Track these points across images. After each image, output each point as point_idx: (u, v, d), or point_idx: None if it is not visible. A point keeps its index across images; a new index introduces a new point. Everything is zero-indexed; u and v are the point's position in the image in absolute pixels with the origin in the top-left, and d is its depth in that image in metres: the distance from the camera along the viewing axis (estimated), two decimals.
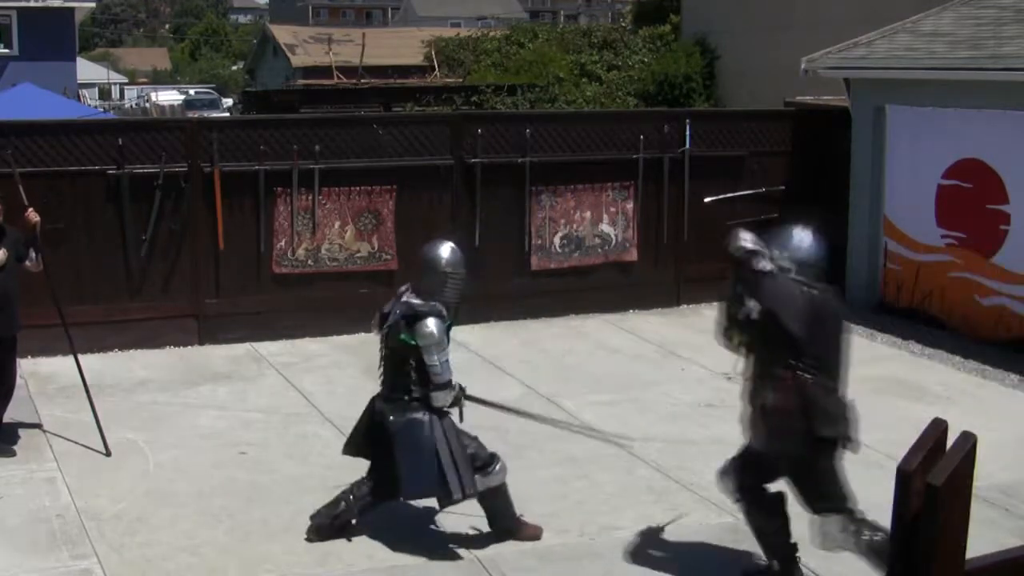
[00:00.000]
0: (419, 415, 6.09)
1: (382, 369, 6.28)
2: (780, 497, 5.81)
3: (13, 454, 7.61)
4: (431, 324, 6.03)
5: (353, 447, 6.52)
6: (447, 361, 6.09)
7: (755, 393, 5.67)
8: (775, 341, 5.52)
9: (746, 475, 5.79)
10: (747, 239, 5.70)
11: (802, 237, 5.70)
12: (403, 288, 6.38)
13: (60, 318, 7.96)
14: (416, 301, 6.13)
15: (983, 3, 11.99)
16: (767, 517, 5.79)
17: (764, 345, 5.62)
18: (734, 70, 19.33)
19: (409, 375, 6.09)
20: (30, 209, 7.70)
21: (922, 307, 11.36)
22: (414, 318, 6.06)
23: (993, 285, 10.64)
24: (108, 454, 7.62)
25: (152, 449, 7.76)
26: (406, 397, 6.11)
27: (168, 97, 48.27)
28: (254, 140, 10.53)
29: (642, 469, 7.45)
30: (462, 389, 6.23)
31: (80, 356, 8.57)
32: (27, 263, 7.69)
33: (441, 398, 6.09)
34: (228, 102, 46.97)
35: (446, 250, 6.26)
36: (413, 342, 6.04)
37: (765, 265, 5.59)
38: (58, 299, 8.01)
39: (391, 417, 6.14)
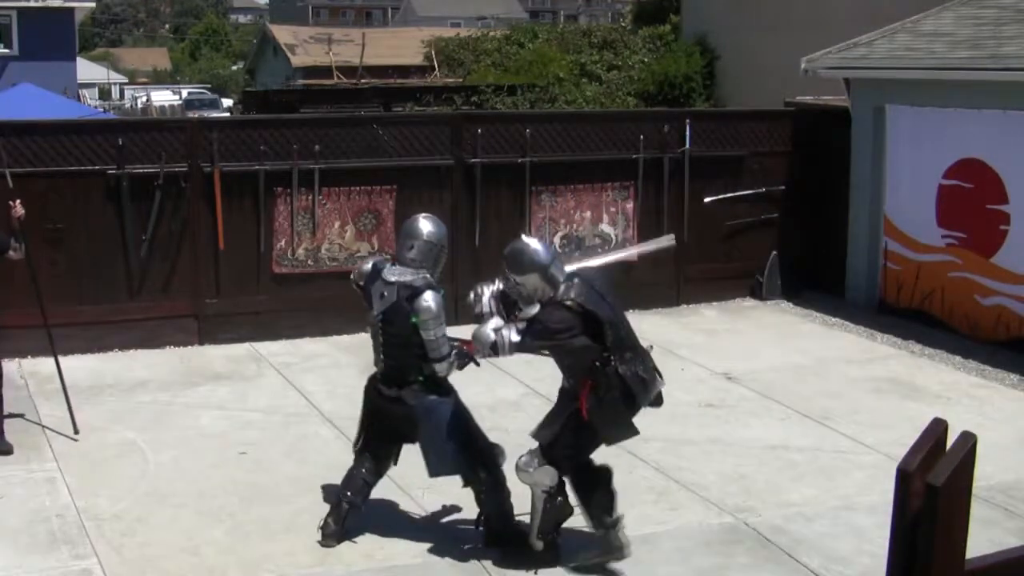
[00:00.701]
0: (437, 396, 6.06)
1: (384, 354, 6.12)
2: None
3: (12, 453, 7.61)
4: (430, 298, 5.96)
5: (368, 441, 6.35)
6: (444, 335, 6.01)
7: (565, 397, 6.00)
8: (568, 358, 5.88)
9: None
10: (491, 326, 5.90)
11: (533, 250, 5.87)
12: (379, 261, 6.27)
13: (41, 312, 8.03)
14: (409, 278, 6.03)
15: (983, 3, 11.99)
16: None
17: (561, 361, 5.94)
18: (734, 70, 19.33)
19: (419, 355, 6.01)
20: (18, 202, 7.72)
21: (922, 307, 11.36)
22: (413, 295, 5.99)
23: (993, 285, 10.63)
24: (76, 431, 7.84)
25: (152, 449, 7.76)
26: (421, 378, 6.05)
27: (162, 97, 47.94)
28: (254, 140, 10.53)
29: (642, 469, 7.44)
30: (462, 352, 6.09)
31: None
32: (11, 252, 7.69)
33: (442, 369, 6.03)
34: (228, 102, 46.84)
35: (435, 223, 6.19)
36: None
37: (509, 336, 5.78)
38: (40, 292, 8.05)
39: (411, 402, 6.04)
